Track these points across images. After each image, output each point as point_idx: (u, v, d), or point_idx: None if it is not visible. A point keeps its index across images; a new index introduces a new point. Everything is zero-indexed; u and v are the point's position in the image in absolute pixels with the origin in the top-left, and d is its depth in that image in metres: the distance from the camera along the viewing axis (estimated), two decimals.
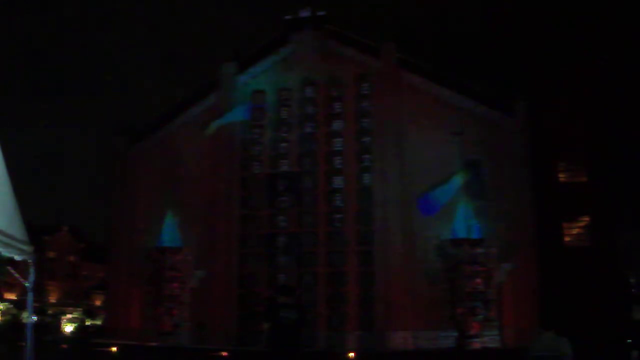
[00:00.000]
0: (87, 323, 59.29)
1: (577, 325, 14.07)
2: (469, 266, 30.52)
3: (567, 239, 32.89)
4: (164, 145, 37.83)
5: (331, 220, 35.53)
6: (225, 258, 35.52)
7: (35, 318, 31.08)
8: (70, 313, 62.28)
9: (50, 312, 60.08)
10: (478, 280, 30.50)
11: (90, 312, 63.38)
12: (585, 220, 32.83)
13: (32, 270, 8.50)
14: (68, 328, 58.17)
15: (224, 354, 27.66)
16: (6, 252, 7.70)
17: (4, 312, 54.58)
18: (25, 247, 8.08)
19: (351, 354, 27.26)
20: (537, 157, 32.53)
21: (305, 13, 37.99)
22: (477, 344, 29.42)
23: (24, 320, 35.53)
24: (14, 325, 43.80)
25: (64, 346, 33.84)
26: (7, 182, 7.90)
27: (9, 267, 9.27)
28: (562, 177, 33.40)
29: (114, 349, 28.84)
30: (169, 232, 35.37)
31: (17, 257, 8.04)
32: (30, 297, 9.14)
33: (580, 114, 32.69)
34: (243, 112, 35.96)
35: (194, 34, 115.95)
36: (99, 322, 54.89)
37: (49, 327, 50.90)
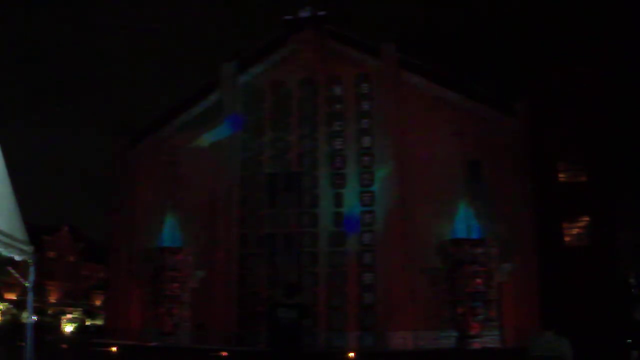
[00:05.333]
0: (87, 323, 59.36)
1: (577, 325, 14.07)
2: (469, 266, 30.50)
3: (567, 239, 32.81)
4: (164, 145, 37.81)
5: (331, 220, 35.52)
6: (225, 258, 35.52)
7: (35, 318, 31.06)
8: (70, 313, 62.35)
9: (50, 312, 60.11)
10: (478, 280, 30.48)
11: (90, 312, 63.43)
12: (585, 220, 32.76)
13: (32, 270, 8.51)
14: (68, 328, 58.24)
15: (224, 354, 27.68)
16: (6, 252, 7.70)
17: (4, 312, 54.62)
18: (25, 247, 8.09)
19: (351, 354, 27.28)
20: (537, 157, 32.50)
21: (305, 13, 37.92)
22: (477, 344, 29.43)
23: (24, 320, 35.52)
24: (14, 325, 43.81)
25: (64, 346, 33.81)
26: (7, 182, 7.91)
27: (9, 267, 9.26)
28: (562, 177, 33.33)
29: (114, 349, 28.84)
30: (169, 232, 35.38)
31: (17, 257, 8.05)
32: (30, 297, 9.15)
33: (581, 113, 32.62)
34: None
35: (194, 33, 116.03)
36: (99, 322, 54.91)
37: (49, 327, 50.90)
